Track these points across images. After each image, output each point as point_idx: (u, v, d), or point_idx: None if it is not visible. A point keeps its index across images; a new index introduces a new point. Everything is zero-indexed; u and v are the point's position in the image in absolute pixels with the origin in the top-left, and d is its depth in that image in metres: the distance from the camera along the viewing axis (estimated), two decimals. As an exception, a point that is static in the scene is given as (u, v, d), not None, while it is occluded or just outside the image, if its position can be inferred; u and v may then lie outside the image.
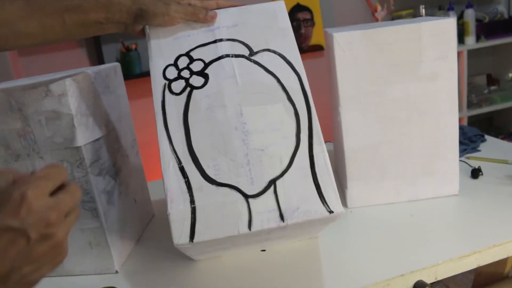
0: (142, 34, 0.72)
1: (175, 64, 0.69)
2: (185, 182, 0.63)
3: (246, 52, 0.70)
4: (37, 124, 0.68)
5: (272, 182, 0.63)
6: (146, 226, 0.90)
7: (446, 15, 2.39)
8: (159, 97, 0.67)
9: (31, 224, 0.36)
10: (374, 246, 0.71)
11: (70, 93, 0.67)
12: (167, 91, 0.67)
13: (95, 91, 0.74)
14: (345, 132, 0.81)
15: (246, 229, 0.61)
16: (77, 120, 0.68)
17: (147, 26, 0.71)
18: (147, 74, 1.33)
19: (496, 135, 2.34)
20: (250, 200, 0.63)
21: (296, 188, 0.64)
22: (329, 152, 1.20)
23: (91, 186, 0.69)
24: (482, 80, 2.78)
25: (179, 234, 0.61)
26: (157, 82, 0.68)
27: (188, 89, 0.67)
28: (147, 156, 1.20)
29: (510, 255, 0.69)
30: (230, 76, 0.68)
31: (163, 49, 0.70)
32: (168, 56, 0.69)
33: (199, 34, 0.71)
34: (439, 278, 0.65)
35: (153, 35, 0.71)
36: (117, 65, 0.87)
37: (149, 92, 0.68)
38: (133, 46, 2.13)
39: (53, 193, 0.40)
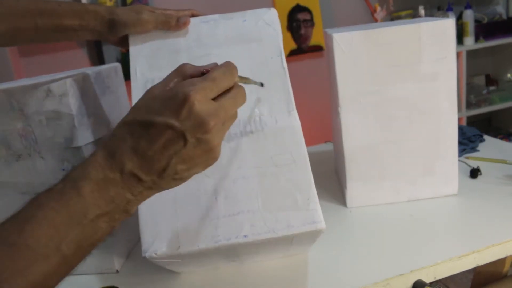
0: (119, 43, 0.71)
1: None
2: None
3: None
4: (38, 124, 0.68)
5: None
6: (147, 226, 0.90)
7: (445, 15, 2.39)
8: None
9: (189, 128, 0.38)
10: (373, 246, 0.71)
11: (71, 93, 0.67)
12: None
13: (95, 91, 0.75)
14: (345, 132, 0.81)
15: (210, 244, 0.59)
16: (78, 120, 0.68)
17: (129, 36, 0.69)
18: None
19: (495, 135, 2.34)
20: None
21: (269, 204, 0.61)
22: (329, 152, 1.20)
23: (92, 186, 0.69)
24: (481, 80, 2.78)
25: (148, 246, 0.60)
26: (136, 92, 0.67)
27: None
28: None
29: (509, 254, 0.70)
30: None
31: (142, 59, 0.69)
32: (148, 65, 0.68)
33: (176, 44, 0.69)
34: (438, 278, 0.65)
35: (133, 43, 0.69)
36: (118, 65, 0.87)
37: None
38: (133, 47, 2.13)
39: (218, 97, 0.41)
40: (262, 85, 0.62)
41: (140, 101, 0.41)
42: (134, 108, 0.40)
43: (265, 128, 0.63)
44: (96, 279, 0.73)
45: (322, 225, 0.59)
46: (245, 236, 0.59)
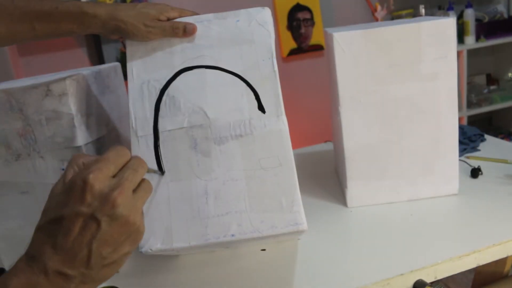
0: (116, 37, 0.70)
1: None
2: None
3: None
4: (37, 123, 0.68)
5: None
6: (147, 226, 0.90)
7: (446, 14, 2.39)
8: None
9: (97, 208, 0.38)
10: (374, 246, 0.71)
11: (71, 93, 0.67)
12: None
13: (95, 91, 0.75)
14: (345, 132, 0.81)
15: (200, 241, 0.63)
16: (78, 119, 0.68)
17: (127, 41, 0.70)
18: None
19: (495, 134, 2.34)
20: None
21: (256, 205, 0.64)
22: (329, 151, 1.20)
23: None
24: (481, 79, 2.78)
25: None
26: (134, 95, 0.68)
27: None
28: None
29: (509, 254, 0.69)
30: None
31: (141, 63, 0.69)
32: (146, 70, 0.69)
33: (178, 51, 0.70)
34: (439, 278, 0.65)
35: (129, 44, 0.70)
36: (118, 65, 0.87)
37: (149, 92, 0.68)
38: (133, 46, 2.13)
39: (117, 174, 0.41)
40: (162, 173, 0.65)
41: (47, 203, 0.40)
42: (43, 212, 0.40)
43: (254, 131, 0.65)
44: (96, 279, 0.73)
45: (304, 226, 0.62)
46: (232, 235, 0.62)
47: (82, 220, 0.38)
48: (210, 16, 0.70)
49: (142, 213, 0.42)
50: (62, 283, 0.38)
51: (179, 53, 0.69)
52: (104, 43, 2.06)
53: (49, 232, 0.38)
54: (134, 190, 0.41)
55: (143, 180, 0.43)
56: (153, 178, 0.65)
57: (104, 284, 0.71)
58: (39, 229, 0.39)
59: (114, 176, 0.40)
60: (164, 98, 0.68)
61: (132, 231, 0.40)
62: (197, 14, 0.72)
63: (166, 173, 0.65)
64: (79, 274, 0.38)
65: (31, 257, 0.38)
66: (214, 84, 0.67)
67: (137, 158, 0.43)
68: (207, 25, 0.69)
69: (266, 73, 0.66)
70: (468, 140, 1.08)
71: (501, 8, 2.60)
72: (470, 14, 2.37)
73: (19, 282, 0.37)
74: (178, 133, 0.66)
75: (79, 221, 0.37)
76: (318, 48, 2.39)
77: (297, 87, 2.38)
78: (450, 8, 2.39)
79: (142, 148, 0.66)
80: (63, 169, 0.69)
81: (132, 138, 0.67)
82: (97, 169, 0.39)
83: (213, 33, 0.69)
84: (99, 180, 0.38)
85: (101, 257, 0.39)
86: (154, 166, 0.66)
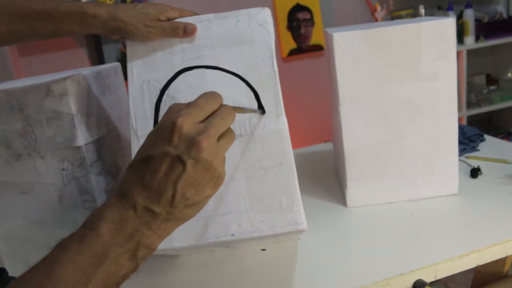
0: (117, 37, 0.70)
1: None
2: None
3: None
4: (38, 124, 0.68)
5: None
6: (147, 226, 0.90)
7: (446, 15, 2.39)
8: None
9: (183, 150, 0.40)
10: (373, 245, 0.71)
11: (71, 93, 0.67)
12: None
13: (95, 91, 0.75)
14: (345, 132, 0.81)
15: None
16: (78, 119, 0.68)
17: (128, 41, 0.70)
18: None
19: (495, 134, 2.34)
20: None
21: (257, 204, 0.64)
22: (329, 151, 1.20)
23: (91, 185, 0.70)
24: (481, 79, 2.78)
25: None
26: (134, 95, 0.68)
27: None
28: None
29: (509, 254, 0.69)
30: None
31: (141, 63, 0.70)
32: (146, 69, 0.69)
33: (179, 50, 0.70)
34: (439, 277, 0.65)
35: (130, 44, 0.70)
36: (118, 65, 0.87)
37: (149, 92, 0.68)
38: (133, 46, 2.13)
39: (206, 119, 0.42)
40: (263, 112, 0.64)
41: (142, 144, 0.43)
42: (137, 152, 0.42)
43: (254, 132, 0.65)
44: (96, 278, 0.73)
45: (304, 226, 0.62)
46: (232, 234, 0.63)
47: (169, 161, 0.39)
48: (210, 16, 0.70)
49: (224, 159, 0.43)
50: (149, 219, 0.40)
51: (179, 53, 0.69)
52: (104, 43, 2.06)
53: (138, 170, 0.40)
54: (219, 137, 0.42)
55: (228, 128, 0.44)
56: None
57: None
58: (130, 167, 0.41)
59: (203, 122, 0.42)
60: (164, 98, 0.68)
61: (214, 176, 0.41)
62: (197, 14, 0.72)
63: None
64: (164, 211, 0.40)
65: (122, 193, 0.40)
66: (214, 84, 0.67)
67: (226, 106, 0.44)
68: (207, 25, 0.70)
69: (266, 73, 0.66)
70: (468, 140, 1.08)
71: (500, 8, 2.61)
72: (469, 14, 2.37)
73: (112, 216, 0.39)
74: None
75: (166, 161, 0.39)
76: (318, 48, 2.39)
77: (297, 87, 2.38)
78: (449, 8, 2.40)
79: None
80: (63, 169, 0.70)
81: (132, 138, 0.67)
82: (187, 114, 0.41)
83: (213, 33, 0.69)
84: (187, 123, 0.40)
85: (185, 197, 0.40)
86: None
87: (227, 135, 0.43)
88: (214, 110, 0.43)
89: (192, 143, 0.39)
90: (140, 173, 0.40)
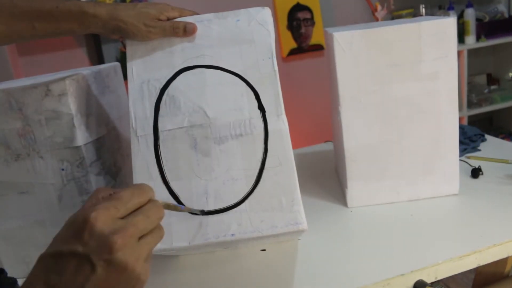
0: (117, 36, 0.70)
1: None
2: None
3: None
4: (37, 123, 0.68)
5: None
6: (146, 226, 0.89)
7: (446, 14, 2.39)
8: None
9: (93, 250, 0.35)
10: (374, 246, 0.71)
11: (70, 93, 0.67)
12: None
13: (95, 91, 0.75)
14: (345, 132, 0.81)
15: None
16: (77, 119, 0.68)
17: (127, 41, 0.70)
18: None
19: (496, 134, 2.34)
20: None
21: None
22: (329, 151, 1.20)
23: (91, 185, 0.69)
24: (482, 79, 2.78)
25: None
26: (134, 96, 0.68)
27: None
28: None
29: (510, 254, 0.69)
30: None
31: (141, 62, 0.69)
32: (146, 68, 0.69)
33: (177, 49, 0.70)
34: (439, 278, 0.65)
35: (130, 44, 0.70)
36: (117, 64, 0.87)
37: (149, 92, 0.68)
38: (133, 46, 2.12)
39: (126, 216, 0.38)
40: (202, 212, 0.63)
41: (56, 234, 0.38)
42: (51, 242, 0.38)
43: (254, 131, 0.65)
44: (95, 279, 0.73)
45: (304, 226, 0.62)
46: (232, 234, 0.63)
47: (77, 260, 0.35)
48: (210, 15, 0.70)
49: (148, 259, 0.38)
50: None
51: (179, 52, 0.69)
52: (104, 43, 2.06)
53: (46, 266, 0.36)
54: (142, 236, 0.38)
55: (156, 225, 0.40)
56: (152, 178, 0.65)
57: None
58: (40, 259, 0.37)
59: (123, 218, 0.37)
60: (164, 97, 0.67)
61: (131, 278, 0.36)
62: (197, 13, 0.72)
63: (166, 173, 0.65)
64: None
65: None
66: (214, 83, 0.67)
67: (154, 203, 0.40)
68: (207, 24, 0.69)
69: (266, 73, 0.66)
70: (469, 140, 1.08)
71: (501, 7, 2.60)
72: (470, 14, 2.37)
73: None
74: (178, 132, 0.66)
75: (73, 260, 0.35)
76: (318, 48, 2.39)
77: (297, 87, 2.38)
78: (450, 8, 2.39)
79: (142, 148, 0.66)
80: (62, 169, 0.69)
81: (132, 138, 0.67)
82: (103, 208, 0.36)
83: (213, 33, 0.69)
84: (101, 219, 0.36)
85: None
86: (153, 166, 0.65)
87: (153, 233, 0.39)
88: (139, 205, 0.39)
89: (104, 242, 0.35)
90: (47, 269, 0.36)
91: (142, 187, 0.40)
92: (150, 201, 0.40)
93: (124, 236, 0.36)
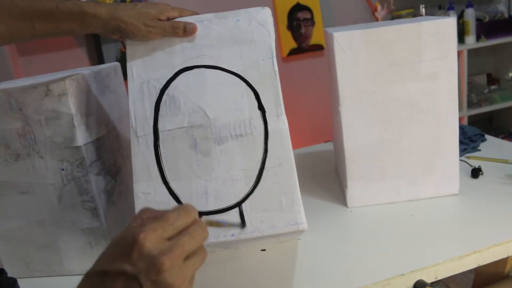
0: (117, 36, 0.70)
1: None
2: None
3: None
4: (37, 123, 0.68)
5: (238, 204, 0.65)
6: (146, 226, 0.89)
7: (446, 14, 2.39)
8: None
9: (142, 270, 0.35)
10: (374, 246, 0.71)
11: (70, 93, 0.67)
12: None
13: (95, 91, 0.74)
14: (345, 132, 0.81)
15: None
16: (77, 119, 0.68)
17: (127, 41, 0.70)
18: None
19: (496, 134, 2.34)
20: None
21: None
22: (329, 151, 1.20)
23: (91, 185, 0.69)
24: (482, 79, 2.78)
25: None
26: (134, 94, 0.68)
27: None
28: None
29: (510, 254, 0.69)
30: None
31: (141, 62, 0.70)
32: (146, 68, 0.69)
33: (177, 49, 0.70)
34: (439, 278, 0.65)
35: (130, 44, 0.70)
36: (117, 64, 0.87)
37: (149, 92, 0.68)
38: (133, 46, 2.12)
39: (173, 236, 0.38)
40: (243, 225, 0.63)
41: (103, 251, 0.39)
42: (98, 258, 0.39)
43: (254, 131, 0.65)
44: (95, 279, 0.73)
45: (304, 226, 0.63)
46: (232, 235, 0.63)
47: (124, 280, 0.35)
48: (210, 15, 0.70)
49: (192, 280, 0.39)
50: None
51: (179, 52, 0.69)
52: (104, 43, 2.06)
53: (92, 283, 0.37)
54: (187, 256, 0.38)
55: (199, 246, 0.40)
56: (152, 178, 0.65)
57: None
58: (86, 276, 0.38)
59: (170, 239, 0.38)
60: (164, 97, 0.67)
61: None
62: (197, 14, 0.72)
63: (166, 173, 0.65)
64: None
65: None
66: (214, 83, 0.67)
67: (199, 224, 0.40)
68: (207, 24, 0.69)
69: (266, 73, 0.66)
70: (469, 140, 1.08)
71: (501, 7, 2.60)
72: (470, 14, 2.37)
73: None
74: (178, 132, 0.66)
75: (121, 280, 0.35)
76: (318, 48, 2.39)
77: (297, 87, 2.38)
78: (450, 8, 2.39)
79: (142, 148, 0.66)
80: (62, 169, 0.69)
81: (132, 138, 0.67)
82: (151, 229, 0.36)
83: (213, 33, 0.69)
84: (150, 240, 0.36)
85: None
86: (153, 166, 0.65)
87: (197, 253, 0.39)
88: (185, 226, 0.39)
89: (152, 263, 0.35)
90: (93, 287, 0.36)
91: (187, 208, 0.41)
92: (195, 221, 0.41)
93: (172, 257, 0.36)
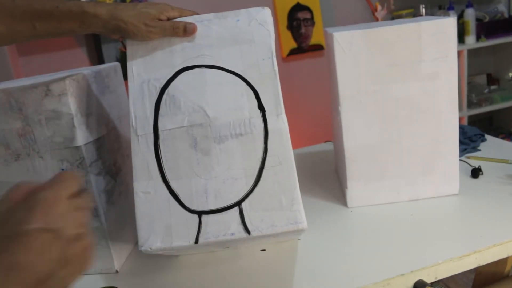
0: (117, 36, 0.70)
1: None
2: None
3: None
4: (37, 123, 0.68)
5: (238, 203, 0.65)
6: (146, 226, 0.90)
7: (446, 14, 2.39)
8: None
9: (67, 224, 0.36)
10: (374, 246, 0.71)
11: (70, 93, 0.67)
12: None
13: (95, 91, 0.74)
14: (345, 132, 0.81)
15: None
16: (77, 119, 0.68)
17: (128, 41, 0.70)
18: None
19: (496, 134, 2.34)
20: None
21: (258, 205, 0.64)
22: (329, 151, 1.20)
23: (91, 185, 0.69)
24: (482, 79, 2.78)
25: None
26: (135, 93, 0.69)
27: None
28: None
29: (510, 254, 0.69)
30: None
31: (141, 61, 0.69)
32: (146, 68, 0.69)
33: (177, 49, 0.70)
34: (439, 278, 0.65)
35: (130, 43, 0.70)
36: (117, 64, 0.87)
37: (149, 92, 0.68)
38: (133, 46, 2.12)
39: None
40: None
41: None
42: None
43: (254, 130, 0.65)
44: (96, 279, 0.73)
45: (304, 225, 0.62)
46: (232, 233, 0.63)
47: (50, 235, 0.36)
48: (210, 15, 0.70)
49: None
50: None
51: (179, 52, 0.69)
52: (104, 43, 2.06)
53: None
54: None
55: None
56: (152, 177, 0.65)
57: (104, 284, 0.71)
58: None
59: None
60: (164, 97, 0.67)
61: (87, 255, 0.39)
62: (197, 13, 0.72)
63: (166, 172, 0.65)
64: None
65: None
66: (214, 83, 0.67)
67: (86, 190, 0.41)
68: (207, 24, 0.69)
69: (266, 72, 0.66)
70: (469, 140, 1.08)
71: (501, 7, 2.60)
72: (470, 14, 2.37)
73: None
74: (178, 132, 0.66)
75: (47, 236, 0.35)
76: (318, 48, 2.39)
77: (297, 87, 2.37)
78: (450, 8, 2.39)
79: (142, 147, 0.66)
80: (62, 169, 0.69)
81: (132, 137, 0.67)
82: (61, 188, 0.38)
83: (213, 33, 0.69)
84: (64, 199, 0.37)
85: (58, 278, 0.36)
86: (154, 165, 0.65)
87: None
88: (77, 187, 0.40)
89: (75, 217, 0.38)
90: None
91: (71, 172, 0.41)
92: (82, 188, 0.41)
93: (84, 213, 0.38)
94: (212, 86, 0.67)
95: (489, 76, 2.81)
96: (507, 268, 0.88)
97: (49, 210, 0.36)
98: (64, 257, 0.36)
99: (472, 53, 2.48)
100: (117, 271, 0.74)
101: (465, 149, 1.04)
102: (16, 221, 0.36)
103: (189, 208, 0.64)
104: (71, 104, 0.67)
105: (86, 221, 0.38)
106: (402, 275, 0.63)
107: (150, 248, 0.63)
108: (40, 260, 0.35)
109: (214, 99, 0.67)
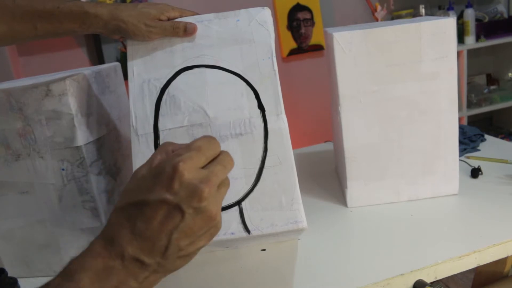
0: (117, 37, 0.71)
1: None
2: None
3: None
4: (37, 123, 0.68)
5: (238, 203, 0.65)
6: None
7: (446, 14, 2.39)
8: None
9: (183, 198, 0.36)
10: (374, 246, 0.71)
11: (70, 93, 0.67)
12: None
13: (95, 91, 0.75)
14: (345, 132, 0.81)
15: None
16: (78, 119, 0.68)
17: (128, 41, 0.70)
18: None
19: (496, 134, 2.34)
20: None
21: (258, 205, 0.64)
22: (329, 151, 1.20)
23: (91, 185, 0.69)
24: (481, 79, 2.78)
25: None
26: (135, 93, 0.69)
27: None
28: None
29: (510, 254, 0.69)
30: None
31: (142, 62, 0.70)
32: (147, 68, 0.69)
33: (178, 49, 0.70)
34: (439, 278, 0.65)
35: (130, 43, 0.70)
36: (117, 64, 0.87)
37: (149, 92, 0.68)
38: (133, 46, 2.12)
39: (207, 164, 0.39)
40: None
41: (129, 184, 0.39)
42: (125, 192, 0.39)
43: (254, 130, 0.65)
44: (95, 279, 0.73)
45: (304, 224, 0.63)
46: (232, 233, 0.63)
47: (166, 209, 0.36)
48: (210, 16, 0.70)
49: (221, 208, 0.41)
50: (137, 270, 0.37)
51: (179, 52, 0.69)
52: (104, 43, 2.06)
53: (129, 215, 0.37)
54: (218, 185, 0.39)
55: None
56: None
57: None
58: (118, 209, 0.38)
59: (203, 168, 0.39)
60: (164, 97, 0.68)
61: (212, 226, 0.38)
62: (197, 14, 0.72)
63: None
64: (155, 263, 0.37)
65: (109, 240, 0.37)
66: (214, 83, 0.67)
67: (226, 153, 0.42)
68: (207, 24, 0.70)
69: (266, 72, 0.67)
70: (468, 140, 1.08)
71: (501, 8, 2.60)
72: (470, 14, 2.37)
73: (95, 265, 0.36)
74: (178, 131, 0.66)
75: (163, 209, 0.36)
76: (318, 48, 2.39)
77: (297, 87, 2.38)
78: (450, 8, 2.39)
79: (142, 147, 0.66)
80: (63, 169, 0.69)
81: (132, 137, 0.67)
82: (188, 158, 0.37)
83: (214, 33, 0.69)
84: (189, 169, 0.37)
85: (178, 249, 0.37)
86: None
87: (225, 183, 0.41)
88: (215, 155, 0.41)
89: (193, 191, 0.36)
90: (131, 218, 0.37)
91: (213, 139, 0.42)
92: (221, 152, 0.42)
93: (210, 185, 0.37)
94: (212, 86, 0.67)
95: (488, 76, 2.81)
96: (507, 268, 0.89)
97: (170, 182, 0.36)
98: (182, 230, 0.37)
99: (471, 53, 2.48)
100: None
101: (465, 149, 1.04)
102: (143, 189, 0.37)
103: None
104: (72, 104, 0.67)
105: (209, 192, 0.37)
106: (402, 275, 0.63)
107: None
108: (158, 231, 0.36)
109: (214, 99, 0.67)
